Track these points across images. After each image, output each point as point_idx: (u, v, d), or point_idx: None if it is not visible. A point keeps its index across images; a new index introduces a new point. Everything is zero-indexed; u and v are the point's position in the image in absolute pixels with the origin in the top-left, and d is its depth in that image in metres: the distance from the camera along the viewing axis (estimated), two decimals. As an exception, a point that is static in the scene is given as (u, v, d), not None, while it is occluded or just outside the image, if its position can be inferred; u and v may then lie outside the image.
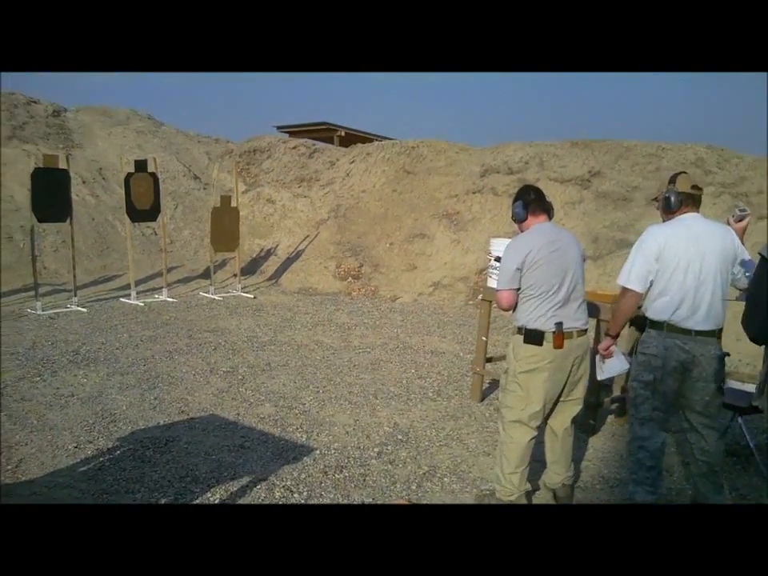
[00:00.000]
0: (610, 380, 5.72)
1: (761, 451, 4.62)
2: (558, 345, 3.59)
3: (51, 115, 15.11)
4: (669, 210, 3.64)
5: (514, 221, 3.86)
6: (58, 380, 5.90)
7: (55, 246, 11.50)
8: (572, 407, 3.87)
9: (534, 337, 3.63)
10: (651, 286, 3.56)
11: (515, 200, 3.82)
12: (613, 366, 3.96)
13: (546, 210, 3.79)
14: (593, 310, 4.84)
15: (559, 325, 3.59)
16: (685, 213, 3.62)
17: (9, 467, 4.19)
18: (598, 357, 3.99)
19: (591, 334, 5.13)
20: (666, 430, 3.75)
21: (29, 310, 8.65)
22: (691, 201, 3.62)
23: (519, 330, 3.71)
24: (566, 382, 3.72)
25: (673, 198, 3.60)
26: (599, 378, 4.11)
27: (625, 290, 3.60)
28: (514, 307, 3.75)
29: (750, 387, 4.66)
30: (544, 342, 3.60)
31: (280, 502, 3.90)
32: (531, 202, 3.75)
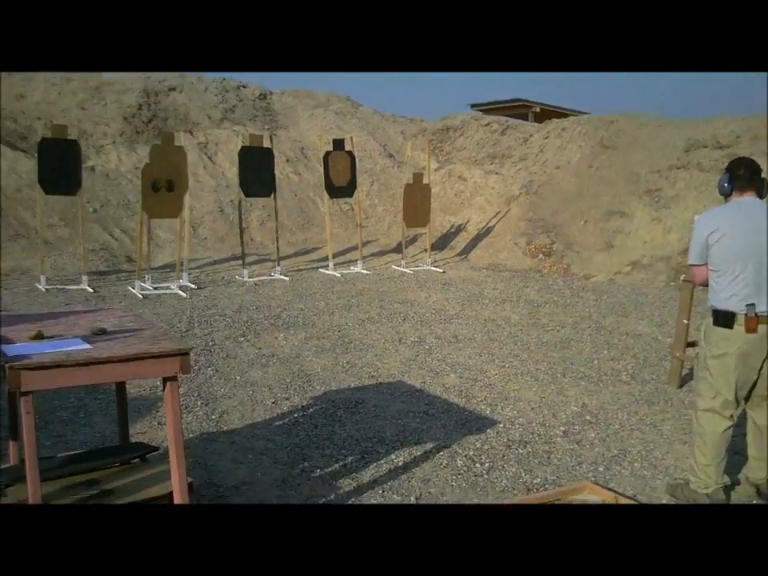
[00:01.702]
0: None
1: None
2: (751, 328, 3.30)
3: (258, 98, 16.20)
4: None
5: (720, 194, 3.63)
6: (261, 341, 6.36)
7: (261, 219, 12.35)
8: None
9: (724, 319, 3.39)
10: None
11: (724, 172, 3.59)
12: None
13: (757, 187, 3.50)
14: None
15: (751, 306, 3.29)
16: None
17: (213, 417, 4.59)
18: None
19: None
20: None
21: (237, 277, 9.40)
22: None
23: (711, 311, 3.47)
24: (760, 371, 3.40)
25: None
26: None
27: None
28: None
29: None
30: (735, 325, 3.34)
31: (462, 471, 3.92)
32: (739, 177, 3.49)
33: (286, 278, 9.45)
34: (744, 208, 3.45)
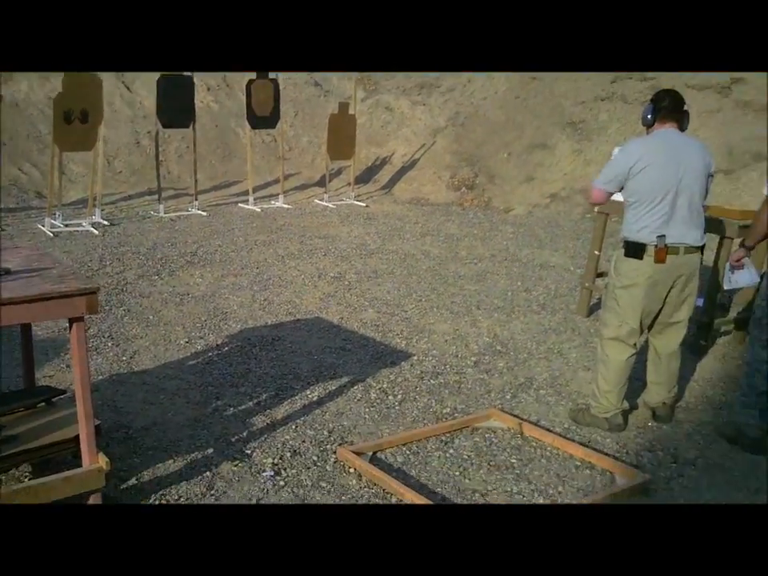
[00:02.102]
0: (730, 300, 5.41)
1: None
2: (660, 259, 3.44)
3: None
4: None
5: (643, 125, 3.70)
6: (175, 279, 6.23)
7: (179, 151, 11.92)
8: (677, 330, 3.75)
9: (634, 250, 3.51)
10: None
11: (649, 103, 3.65)
12: (741, 278, 3.87)
13: (678, 118, 3.58)
14: (717, 226, 4.57)
15: (662, 238, 3.42)
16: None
17: (124, 358, 4.51)
18: (727, 266, 3.93)
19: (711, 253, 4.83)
20: None
21: (152, 213, 9.09)
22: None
23: (623, 242, 3.58)
24: (665, 300, 3.57)
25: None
26: (725, 287, 4.08)
27: None
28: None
29: None
30: (644, 256, 3.47)
31: (375, 404, 4.02)
32: (662, 108, 3.56)
33: (204, 214, 9.21)
34: (666, 139, 3.53)
